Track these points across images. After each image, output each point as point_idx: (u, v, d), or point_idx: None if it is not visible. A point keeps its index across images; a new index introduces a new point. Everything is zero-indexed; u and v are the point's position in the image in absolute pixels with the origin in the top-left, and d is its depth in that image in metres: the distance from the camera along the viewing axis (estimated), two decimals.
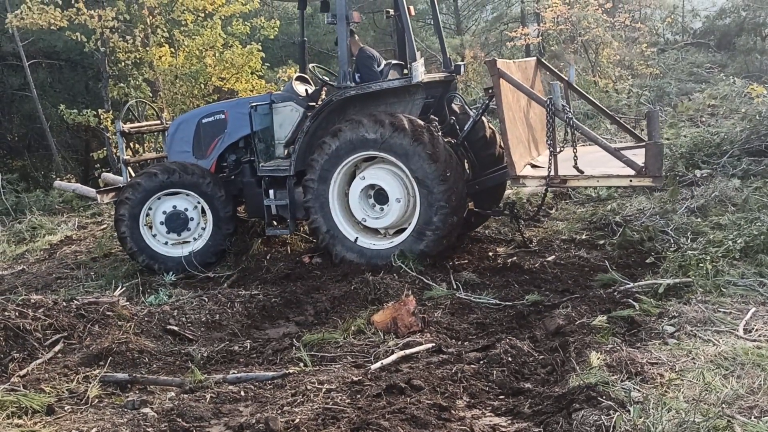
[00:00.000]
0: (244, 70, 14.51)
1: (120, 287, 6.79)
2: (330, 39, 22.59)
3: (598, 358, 4.13)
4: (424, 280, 6.31)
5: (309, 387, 4.27)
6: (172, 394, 4.40)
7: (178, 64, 14.53)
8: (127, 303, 5.88)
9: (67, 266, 8.18)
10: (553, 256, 6.89)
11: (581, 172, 6.23)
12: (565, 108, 6.38)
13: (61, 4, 13.49)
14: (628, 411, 3.47)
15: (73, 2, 13.54)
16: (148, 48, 14.50)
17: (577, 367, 4.14)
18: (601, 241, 7.22)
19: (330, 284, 6.49)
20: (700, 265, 5.50)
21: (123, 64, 14.56)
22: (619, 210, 8.08)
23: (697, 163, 9.00)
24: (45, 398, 4.24)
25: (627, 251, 6.72)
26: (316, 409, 3.96)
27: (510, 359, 4.53)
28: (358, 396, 4.13)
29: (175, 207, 7.56)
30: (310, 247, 7.89)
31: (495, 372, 4.40)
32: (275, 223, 7.55)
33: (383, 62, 7.53)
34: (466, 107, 7.84)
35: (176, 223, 7.57)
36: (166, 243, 7.62)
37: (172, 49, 14.82)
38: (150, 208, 7.57)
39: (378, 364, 4.56)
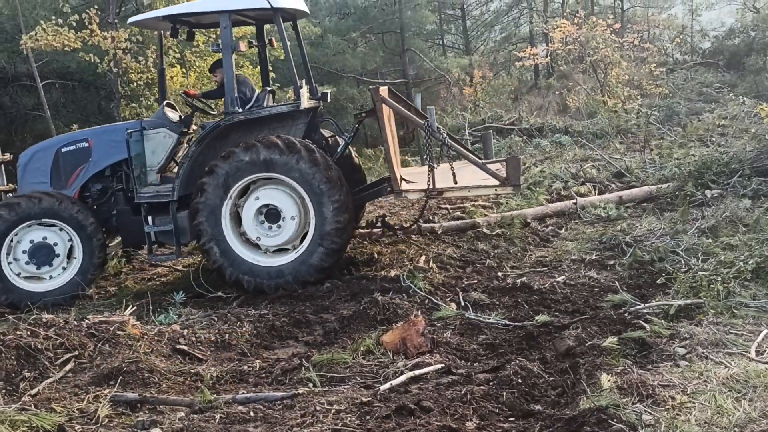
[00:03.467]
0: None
1: (130, 306, 6.80)
2: (339, 60, 22.78)
3: (609, 380, 4.11)
4: (434, 300, 6.31)
5: (318, 408, 4.26)
6: (182, 414, 4.40)
7: (189, 85, 14.69)
8: (138, 322, 5.89)
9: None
10: (563, 277, 6.87)
11: (455, 183, 7.09)
12: (440, 128, 7.24)
13: (75, 26, 13.68)
14: None
15: (86, 24, 13.74)
16: None
17: (588, 389, 4.12)
18: (611, 262, 7.20)
19: (339, 304, 6.49)
20: (712, 286, 5.48)
21: (135, 84, 14.74)
22: (629, 230, 8.05)
23: (707, 183, 8.99)
24: (56, 417, 4.25)
25: (637, 272, 6.70)
26: (326, 430, 3.95)
27: (520, 381, 4.50)
28: (368, 417, 4.12)
29: (38, 239, 7.25)
30: None
31: (505, 393, 4.38)
32: (157, 249, 7.62)
33: (257, 90, 7.93)
34: (338, 132, 8.29)
35: (42, 254, 7.25)
36: (31, 277, 7.31)
37: (183, 70, 14.99)
38: (12, 242, 7.21)
39: (387, 385, 4.55)
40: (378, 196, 8.24)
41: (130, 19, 8.40)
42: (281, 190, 7.13)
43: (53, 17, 13.98)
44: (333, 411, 4.20)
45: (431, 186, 7.11)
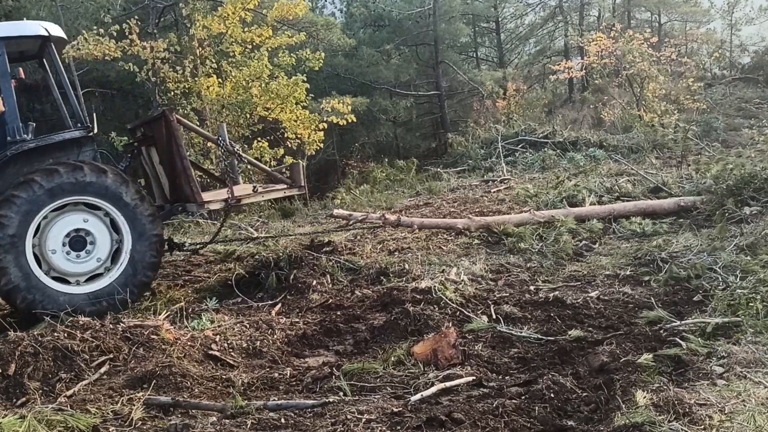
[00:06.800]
0: (289, 101, 14.81)
1: (164, 311, 6.90)
2: (372, 71, 22.89)
3: (645, 397, 4.04)
4: (465, 312, 6.27)
5: (349, 417, 4.26)
6: (214, 419, 4.43)
7: (225, 94, 14.90)
8: (171, 327, 5.97)
9: None
10: (597, 292, 6.78)
11: (255, 190, 7.84)
12: (233, 144, 7.98)
13: (115, 36, 13.99)
14: None
15: (126, 34, 14.04)
16: (196, 78, 14.90)
17: (623, 406, 4.06)
18: (647, 278, 7.08)
19: (369, 314, 6.49)
20: (750, 304, 5.37)
21: (173, 93, 14.98)
22: (665, 246, 7.92)
23: (747, 200, 8.81)
24: (91, 419, 4.31)
25: (673, 288, 6.58)
26: None
27: (552, 395, 4.45)
28: (398, 427, 4.11)
29: None
30: (353, 279, 7.92)
31: (537, 408, 4.33)
32: None
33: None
34: (112, 161, 8.25)
35: None
36: None
37: (219, 80, 15.21)
38: None
39: (418, 396, 4.53)
40: (171, 216, 8.57)
41: None
42: (81, 214, 7.04)
43: (95, 27, 14.31)
44: (363, 420, 4.19)
45: (231, 195, 7.61)
